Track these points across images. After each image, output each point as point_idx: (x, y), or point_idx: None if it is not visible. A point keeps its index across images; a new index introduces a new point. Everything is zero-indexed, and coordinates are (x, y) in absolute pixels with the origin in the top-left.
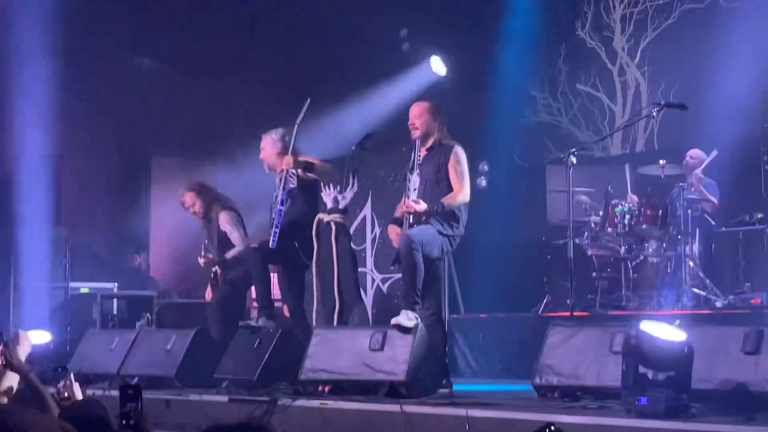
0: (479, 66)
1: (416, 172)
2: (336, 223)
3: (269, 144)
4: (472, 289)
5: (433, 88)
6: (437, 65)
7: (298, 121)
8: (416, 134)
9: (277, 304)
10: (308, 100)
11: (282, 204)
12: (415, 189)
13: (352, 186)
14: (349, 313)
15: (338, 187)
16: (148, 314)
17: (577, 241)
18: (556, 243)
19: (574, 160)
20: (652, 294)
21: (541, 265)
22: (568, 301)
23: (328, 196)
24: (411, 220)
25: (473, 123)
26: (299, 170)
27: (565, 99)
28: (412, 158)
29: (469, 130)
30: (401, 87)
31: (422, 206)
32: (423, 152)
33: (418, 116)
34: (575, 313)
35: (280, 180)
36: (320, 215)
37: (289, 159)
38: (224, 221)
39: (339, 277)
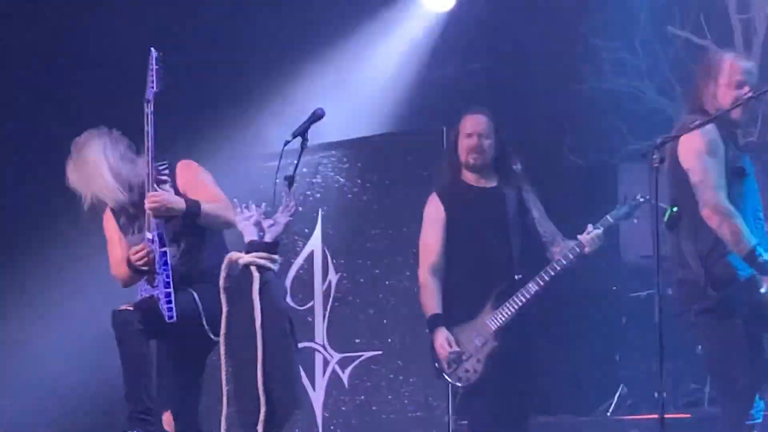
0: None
1: None
2: (260, 268)
3: (111, 158)
4: None
5: (426, 38)
6: None
7: (152, 91)
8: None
9: None
10: (152, 51)
11: (161, 243)
12: None
13: (288, 204)
14: (284, 420)
15: (263, 206)
16: None
17: (670, 292)
18: (636, 296)
19: (663, 155)
20: None
21: (612, 334)
22: (655, 394)
23: (245, 221)
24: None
25: (495, 93)
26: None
27: (648, 51)
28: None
29: (489, 106)
30: (369, 36)
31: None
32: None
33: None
34: (668, 416)
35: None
36: (232, 255)
37: (156, 197)
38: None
39: (265, 360)
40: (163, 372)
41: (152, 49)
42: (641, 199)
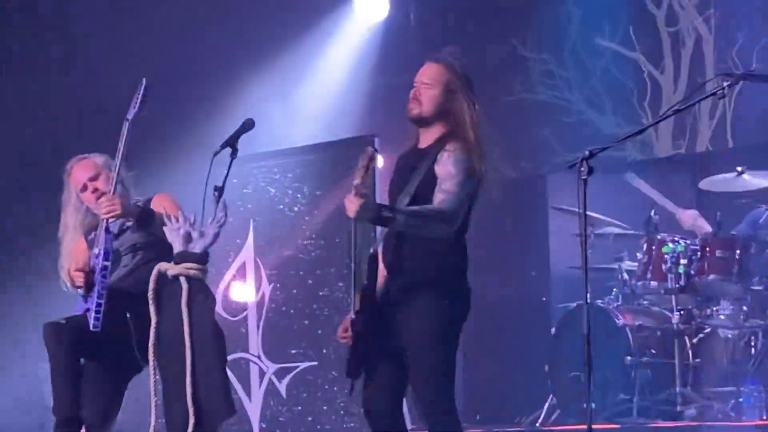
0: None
1: None
2: (189, 279)
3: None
4: None
5: (356, 48)
6: (370, 5)
7: (133, 111)
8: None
9: None
10: (143, 80)
11: (106, 258)
12: None
13: (218, 216)
14: (213, 430)
15: (192, 218)
16: None
17: (599, 302)
18: (564, 306)
19: (591, 166)
20: (725, 391)
21: (540, 345)
22: (584, 405)
23: (174, 231)
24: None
25: None
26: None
27: (577, 63)
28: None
29: None
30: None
31: None
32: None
33: (431, 85)
34: (597, 426)
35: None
36: (161, 266)
37: (113, 200)
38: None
39: (194, 370)
40: (86, 385)
41: (144, 78)
42: None
